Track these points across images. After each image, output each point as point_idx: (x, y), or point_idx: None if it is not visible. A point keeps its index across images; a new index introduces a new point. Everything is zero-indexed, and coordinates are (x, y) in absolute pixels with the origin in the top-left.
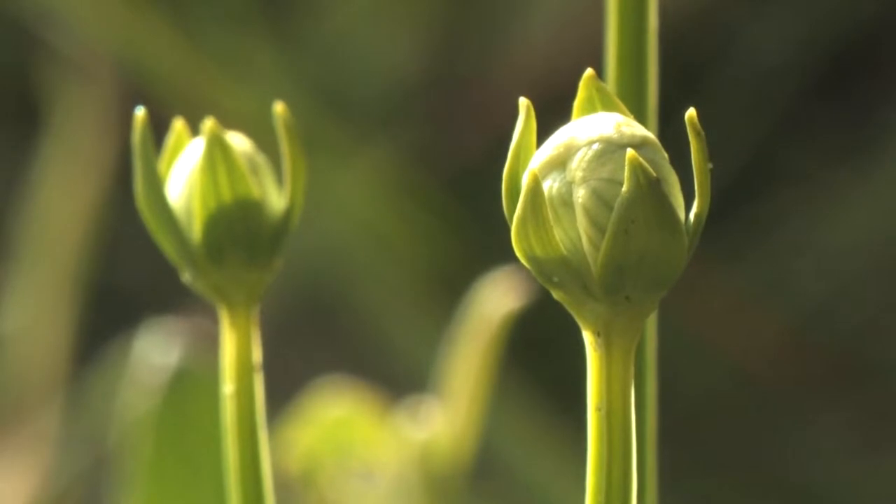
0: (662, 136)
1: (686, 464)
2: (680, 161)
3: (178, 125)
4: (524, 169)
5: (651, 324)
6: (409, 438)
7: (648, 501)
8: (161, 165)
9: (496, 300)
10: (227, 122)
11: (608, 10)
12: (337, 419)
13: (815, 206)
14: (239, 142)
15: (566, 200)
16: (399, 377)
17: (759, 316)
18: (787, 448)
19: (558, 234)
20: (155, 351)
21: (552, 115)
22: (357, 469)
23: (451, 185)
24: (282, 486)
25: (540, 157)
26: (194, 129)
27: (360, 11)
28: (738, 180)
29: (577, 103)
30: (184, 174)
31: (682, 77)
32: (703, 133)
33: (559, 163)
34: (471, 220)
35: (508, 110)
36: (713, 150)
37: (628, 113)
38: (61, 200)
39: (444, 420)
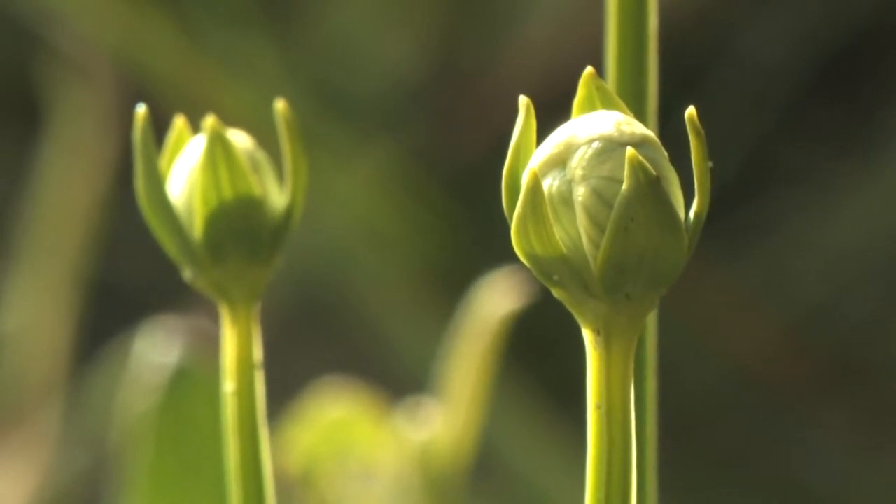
0: (662, 134)
1: (685, 462)
2: (680, 160)
3: (179, 123)
4: (524, 167)
5: (651, 322)
6: (408, 439)
7: (648, 500)
8: (162, 163)
9: (496, 300)
10: (228, 120)
11: (608, 9)
12: (336, 420)
13: (815, 206)
14: (240, 139)
15: (566, 199)
16: (399, 377)
17: (758, 315)
18: (786, 447)
19: (558, 232)
20: (155, 350)
21: (552, 113)
22: (357, 470)
23: (452, 185)
24: (282, 487)
25: (540, 155)
26: (195, 127)
27: (360, 10)
28: (738, 179)
29: (576, 101)
30: (185, 172)
31: (682, 76)
32: (702, 132)
33: (559, 161)
34: (471, 220)
35: (509, 109)
36: (713, 149)
37: (628, 111)
38: (62, 199)
39: (443, 421)
